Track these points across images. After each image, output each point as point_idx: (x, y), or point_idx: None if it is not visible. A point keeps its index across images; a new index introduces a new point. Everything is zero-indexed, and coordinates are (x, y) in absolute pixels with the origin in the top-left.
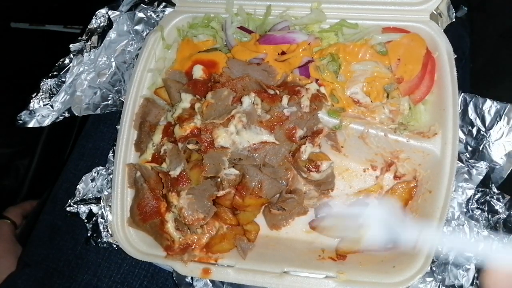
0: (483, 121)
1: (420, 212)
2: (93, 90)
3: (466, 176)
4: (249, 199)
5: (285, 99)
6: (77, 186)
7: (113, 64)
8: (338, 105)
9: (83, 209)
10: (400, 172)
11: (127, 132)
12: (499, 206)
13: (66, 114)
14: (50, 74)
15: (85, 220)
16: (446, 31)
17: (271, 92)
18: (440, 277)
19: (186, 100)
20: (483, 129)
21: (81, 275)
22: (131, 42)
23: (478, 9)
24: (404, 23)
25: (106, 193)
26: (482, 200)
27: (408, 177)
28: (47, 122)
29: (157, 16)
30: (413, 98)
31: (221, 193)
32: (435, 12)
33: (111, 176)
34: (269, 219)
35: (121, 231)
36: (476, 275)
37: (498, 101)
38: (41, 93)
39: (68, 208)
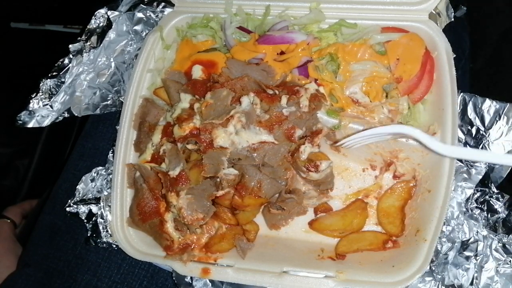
0: (482, 120)
1: (420, 212)
2: (92, 91)
3: (465, 175)
4: (249, 199)
5: (284, 99)
6: (77, 186)
7: (113, 64)
8: (337, 105)
9: (83, 209)
10: (399, 171)
11: (126, 132)
12: (498, 205)
13: (66, 115)
14: (49, 75)
15: (85, 220)
16: (445, 30)
17: (270, 92)
18: (440, 276)
19: (185, 100)
20: (482, 128)
21: (81, 275)
22: (130, 42)
23: (478, 9)
24: (403, 23)
25: (105, 193)
26: (482, 200)
27: (407, 177)
28: (46, 122)
29: (156, 16)
30: (412, 97)
31: (220, 193)
32: (434, 12)
33: (110, 176)
34: (269, 218)
35: (120, 231)
36: (475, 274)
37: (497, 101)
38: (40, 94)
39: (67, 208)
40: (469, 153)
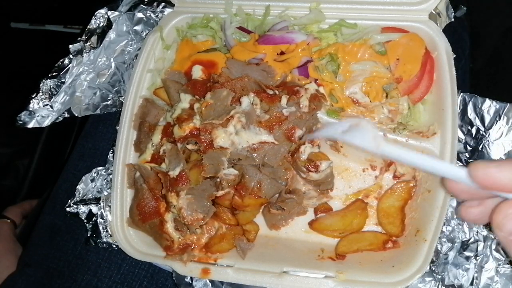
0: (482, 120)
1: (420, 212)
2: (92, 91)
3: None
4: (249, 199)
5: (284, 99)
6: (77, 187)
7: (113, 64)
8: (337, 105)
9: (83, 209)
10: (399, 171)
11: (126, 133)
12: None
13: (66, 115)
14: (49, 75)
15: (85, 221)
16: (445, 30)
17: (270, 92)
18: (440, 276)
19: (185, 100)
20: (482, 128)
21: (81, 275)
22: (130, 42)
23: (478, 9)
24: (403, 23)
25: (105, 193)
26: None
27: (408, 177)
28: (47, 122)
29: (157, 16)
30: (412, 97)
31: (220, 193)
32: (434, 12)
33: (110, 177)
34: (269, 219)
35: (120, 231)
36: (475, 274)
37: (497, 101)
38: (40, 94)
39: (68, 209)
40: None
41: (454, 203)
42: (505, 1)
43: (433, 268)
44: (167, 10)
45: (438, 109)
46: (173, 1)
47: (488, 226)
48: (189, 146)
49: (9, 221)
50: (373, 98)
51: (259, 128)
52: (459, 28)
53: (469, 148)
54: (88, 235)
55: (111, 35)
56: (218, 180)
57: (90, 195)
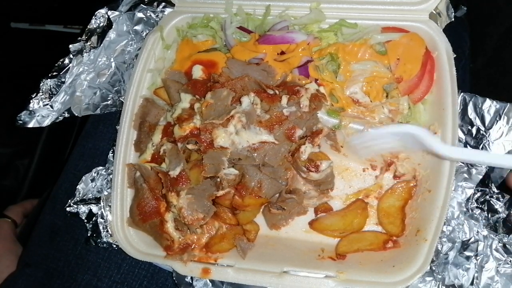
0: (482, 120)
1: (420, 212)
2: (92, 90)
3: (465, 175)
4: (249, 199)
5: (284, 99)
6: (77, 186)
7: (113, 64)
8: (337, 105)
9: (83, 209)
10: (399, 171)
11: (126, 132)
12: (498, 205)
13: (66, 115)
14: (49, 75)
15: (85, 220)
16: (446, 30)
17: (271, 92)
18: (440, 276)
19: (186, 100)
20: (482, 128)
21: (81, 275)
22: (130, 42)
23: (478, 9)
24: (403, 23)
25: (106, 193)
26: (482, 200)
27: (408, 177)
28: (47, 122)
29: (157, 16)
30: (413, 97)
31: (220, 193)
32: (434, 12)
33: (110, 176)
34: (269, 218)
35: (120, 231)
36: (476, 274)
37: (497, 101)
38: (40, 94)
39: (68, 208)
40: (475, 155)
41: (454, 203)
42: (505, 1)
43: (434, 268)
44: (167, 10)
45: (439, 109)
46: (173, 1)
47: (489, 225)
48: (190, 146)
49: (9, 220)
50: (373, 98)
51: (260, 128)
52: (459, 28)
53: (469, 147)
54: (88, 235)
55: (111, 35)
56: (219, 180)
57: (90, 195)
